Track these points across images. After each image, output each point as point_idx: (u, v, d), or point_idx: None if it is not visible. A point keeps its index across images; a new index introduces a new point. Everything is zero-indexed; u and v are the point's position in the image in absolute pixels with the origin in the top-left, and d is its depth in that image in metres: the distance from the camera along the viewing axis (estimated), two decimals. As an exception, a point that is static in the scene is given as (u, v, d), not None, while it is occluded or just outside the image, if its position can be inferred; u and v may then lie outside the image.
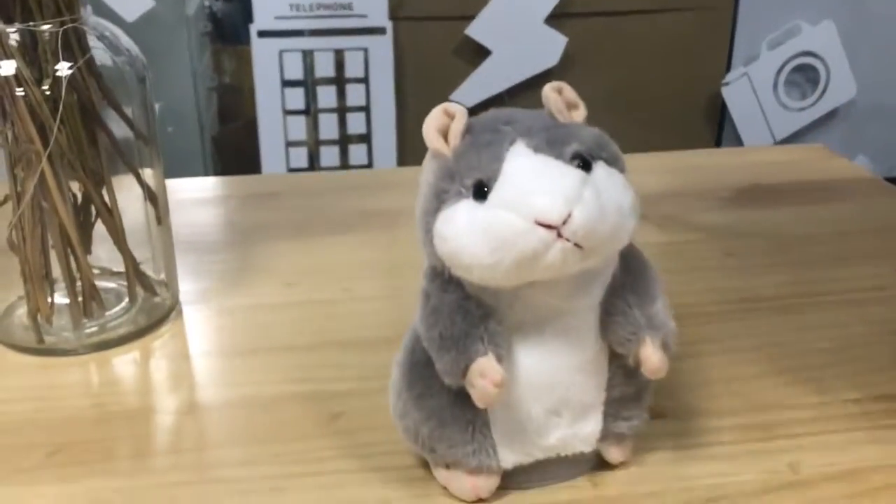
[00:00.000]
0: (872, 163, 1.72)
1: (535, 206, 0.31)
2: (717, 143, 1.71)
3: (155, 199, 0.52)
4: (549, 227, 0.31)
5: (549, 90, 0.35)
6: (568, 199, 0.31)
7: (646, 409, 0.39)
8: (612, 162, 0.34)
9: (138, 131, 0.51)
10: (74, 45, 0.46)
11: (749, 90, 1.66)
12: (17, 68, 0.45)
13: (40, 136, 0.46)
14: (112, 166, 0.50)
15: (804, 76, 1.67)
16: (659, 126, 1.60)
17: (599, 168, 0.33)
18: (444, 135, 0.34)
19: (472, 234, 0.32)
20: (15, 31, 0.45)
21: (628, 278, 0.36)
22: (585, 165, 0.33)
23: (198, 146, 1.57)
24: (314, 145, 1.57)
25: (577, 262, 0.32)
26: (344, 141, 1.57)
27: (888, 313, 0.53)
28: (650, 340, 0.35)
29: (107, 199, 0.50)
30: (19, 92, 0.45)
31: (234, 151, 1.62)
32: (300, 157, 1.57)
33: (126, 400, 0.46)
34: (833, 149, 1.62)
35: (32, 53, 0.45)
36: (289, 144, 1.56)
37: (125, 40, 0.50)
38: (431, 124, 0.34)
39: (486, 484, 0.37)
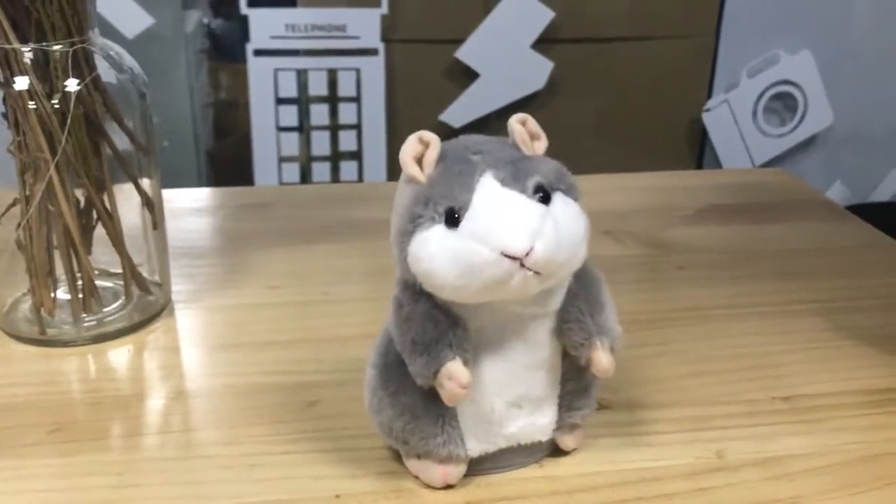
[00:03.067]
0: (849, 188, 1.77)
1: (502, 240, 0.35)
2: (699, 168, 1.75)
3: (152, 206, 0.57)
4: (513, 258, 0.35)
5: (514, 122, 0.39)
6: (531, 234, 0.35)
7: (594, 399, 0.43)
8: (569, 192, 0.38)
9: (138, 143, 0.55)
10: (82, 64, 0.50)
11: (729, 116, 1.70)
12: (30, 83, 0.49)
13: (49, 146, 0.50)
14: (113, 175, 0.54)
15: (783, 104, 1.71)
16: (641, 150, 1.64)
17: (558, 199, 0.37)
18: (419, 161, 0.38)
19: (443, 259, 0.36)
20: (29, 50, 0.49)
21: (581, 289, 0.40)
22: (546, 197, 0.37)
23: (193, 160, 1.61)
24: (306, 161, 1.61)
25: (536, 286, 0.37)
26: (335, 157, 1.61)
27: (821, 324, 0.57)
28: (600, 344, 0.40)
29: (108, 204, 0.54)
30: (31, 105, 0.49)
31: (228, 166, 1.66)
32: (293, 172, 1.61)
33: (120, 386, 0.50)
34: (811, 174, 1.66)
35: (44, 70, 0.50)
36: (281, 160, 1.60)
37: (128, 59, 0.54)
38: (408, 152, 0.38)
39: (454, 471, 0.41)
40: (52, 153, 0.50)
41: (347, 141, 1.60)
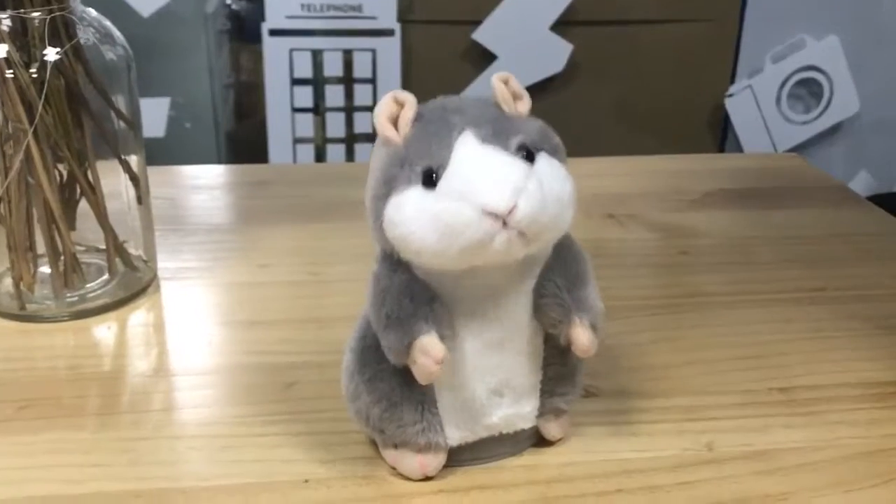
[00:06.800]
0: (874, 177, 1.73)
1: (484, 196, 0.33)
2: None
3: (137, 181, 0.56)
4: (495, 216, 0.33)
5: (496, 80, 0.37)
6: (514, 191, 0.33)
7: (579, 385, 0.41)
8: (554, 153, 0.36)
9: (122, 116, 0.54)
10: (62, 32, 0.49)
11: (752, 102, 1.67)
12: (8, 52, 0.48)
13: (28, 116, 0.49)
14: (99, 150, 0.53)
15: (807, 90, 1.68)
16: (662, 135, 1.62)
17: (542, 159, 0.35)
18: (395, 122, 0.36)
19: (421, 222, 0.34)
20: (7, 17, 0.48)
21: (558, 263, 0.38)
22: (529, 156, 0.35)
23: (213, 141, 1.60)
24: (321, 143, 1.60)
25: (520, 249, 0.34)
26: (350, 139, 1.60)
27: (825, 313, 0.55)
28: (579, 321, 0.37)
29: (90, 178, 0.53)
30: (9, 74, 0.48)
31: (246, 147, 1.65)
32: (307, 153, 1.60)
33: (99, 363, 0.49)
34: (836, 163, 1.62)
35: (22, 39, 0.48)
36: (296, 141, 1.59)
37: (113, 30, 0.53)
38: (382, 112, 0.36)
39: (433, 462, 0.39)
40: (31, 123, 0.49)
41: (362, 122, 1.59)
